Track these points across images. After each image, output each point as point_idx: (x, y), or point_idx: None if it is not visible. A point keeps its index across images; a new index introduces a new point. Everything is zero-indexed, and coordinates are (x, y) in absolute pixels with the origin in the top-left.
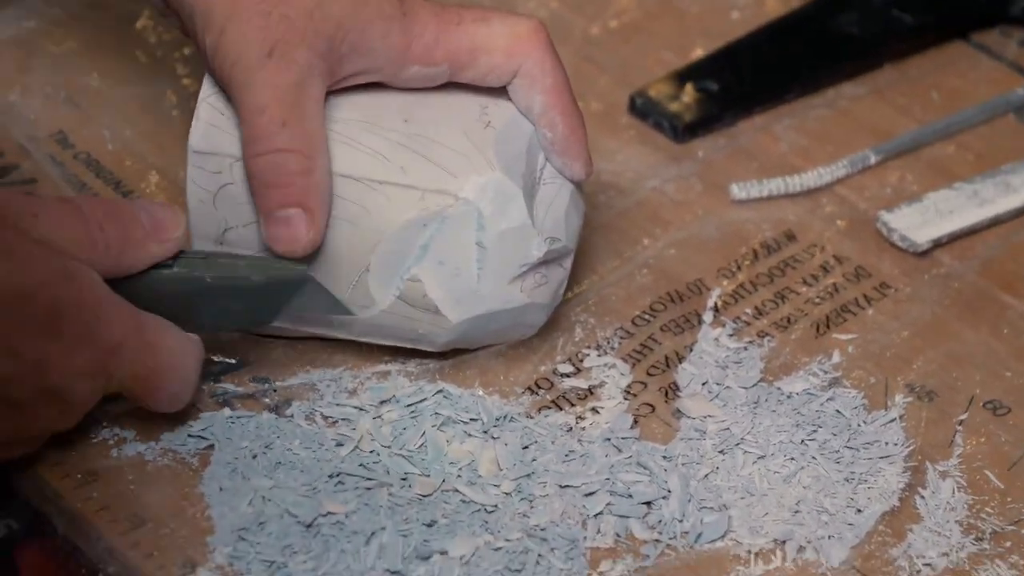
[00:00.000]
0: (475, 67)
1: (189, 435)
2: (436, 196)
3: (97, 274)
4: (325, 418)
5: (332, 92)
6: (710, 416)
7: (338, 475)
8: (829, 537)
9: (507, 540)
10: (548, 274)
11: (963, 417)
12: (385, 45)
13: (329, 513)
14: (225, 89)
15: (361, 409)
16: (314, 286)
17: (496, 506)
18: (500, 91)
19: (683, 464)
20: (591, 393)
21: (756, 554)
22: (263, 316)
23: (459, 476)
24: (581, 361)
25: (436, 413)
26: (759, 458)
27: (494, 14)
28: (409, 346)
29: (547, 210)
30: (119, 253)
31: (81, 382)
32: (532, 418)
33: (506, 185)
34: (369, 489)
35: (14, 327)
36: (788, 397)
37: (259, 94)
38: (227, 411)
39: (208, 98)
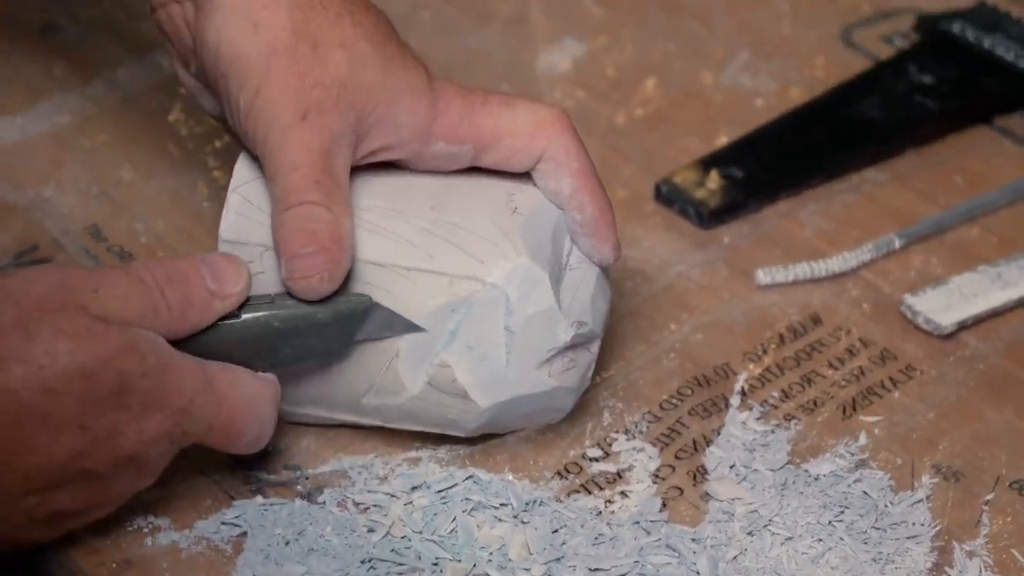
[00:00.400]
0: (498, 149)
1: (223, 523)
2: (464, 282)
3: (161, 337)
4: (356, 504)
5: (358, 177)
6: (738, 498)
7: (370, 561)
8: None
9: None
10: (576, 358)
11: (989, 497)
12: (412, 120)
13: None
14: (255, 149)
15: (392, 495)
16: (381, 312)
17: None
18: (525, 177)
19: (712, 546)
20: (620, 477)
21: None
22: (334, 349)
23: (490, 560)
24: (610, 445)
25: (466, 498)
26: (787, 539)
27: (518, 100)
28: (439, 431)
29: (574, 295)
30: (182, 316)
31: (155, 446)
32: (561, 502)
33: (533, 270)
34: (401, 575)
35: (82, 404)
36: (815, 479)
37: (294, 153)
38: (260, 499)
39: (238, 188)
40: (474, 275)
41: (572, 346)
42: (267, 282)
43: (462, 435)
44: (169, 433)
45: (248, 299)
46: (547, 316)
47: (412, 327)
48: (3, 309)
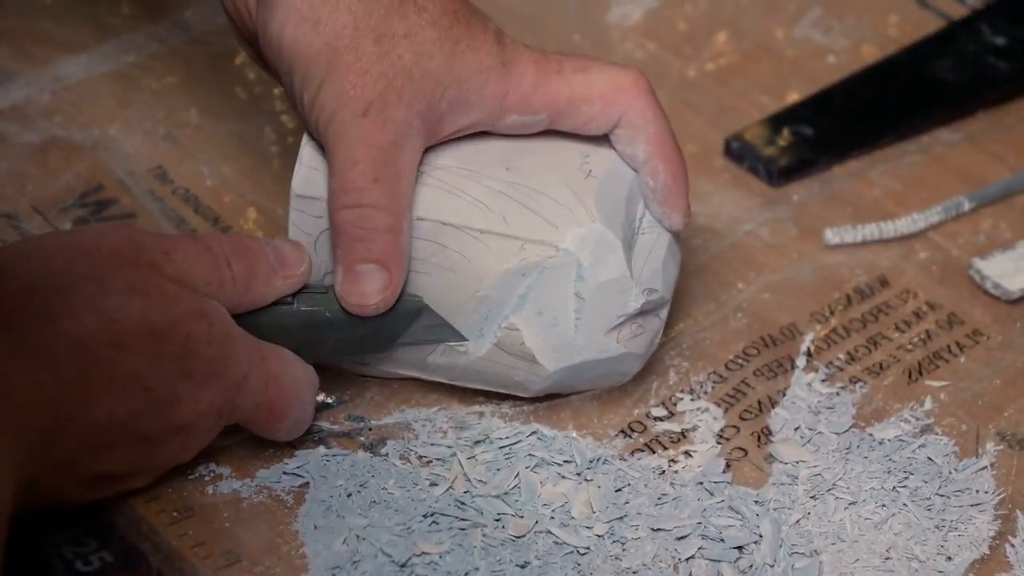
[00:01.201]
0: (575, 116)
1: (284, 472)
2: (536, 247)
3: (224, 309)
4: (419, 458)
5: None
6: (802, 461)
7: (432, 515)
8: None
9: None
10: (644, 324)
11: None
12: (482, 97)
13: (423, 553)
14: (321, 143)
15: (455, 449)
16: (430, 314)
17: (588, 548)
18: (601, 138)
19: (775, 509)
20: (684, 437)
21: None
22: (380, 346)
23: (552, 518)
24: (675, 405)
25: (530, 455)
26: (850, 504)
27: (594, 63)
28: (504, 391)
29: (645, 260)
30: (245, 289)
31: (205, 418)
32: (625, 461)
33: (606, 237)
34: (463, 530)
35: (149, 363)
36: (880, 443)
37: (353, 149)
38: (322, 449)
39: (311, 142)
40: (547, 240)
41: (641, 312)
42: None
43: (526, 396)
44: (220, 408)
45: (304, 287)
46: (618, 283)
47: (457, 336)
48: (75, 262)
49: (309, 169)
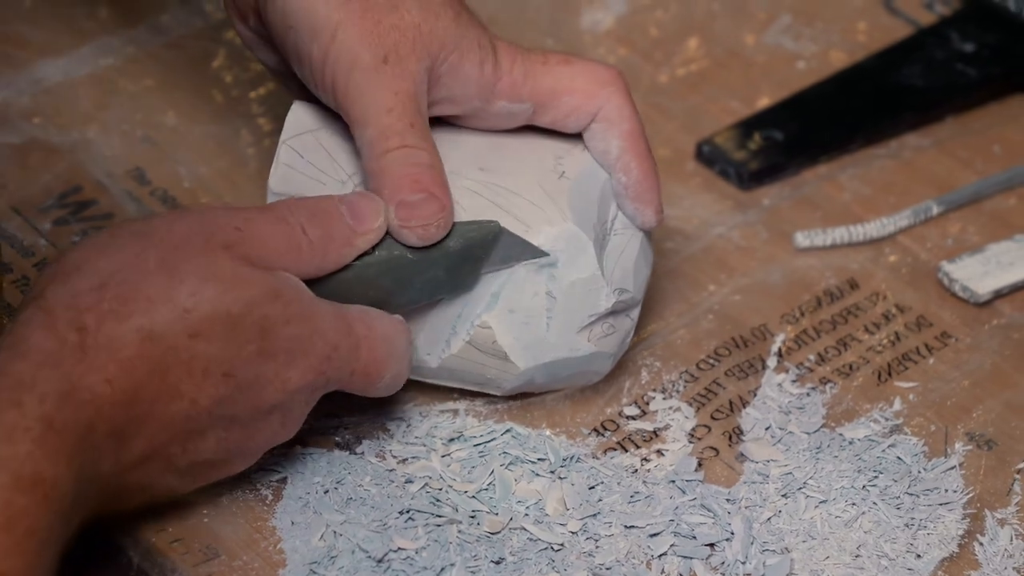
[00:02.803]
0: (557, 108)
1: (262, 468)
2: None
3: (303, 284)
4: (394, 456)
5: None
6: (773, 460)
7: (408, 512)
8: None
9: None
10: (615, 324)
11: (1021, 466)
12: (479, 75)
13: (399, 549)
14: (334, 97)
15: (430, 448)
16: (509, 237)
17: (562, 545)
18: (574, 142)
19: (746, 507)
20: (656, 435)
21: None
22: (462, 281)
23: (526, 515)
24: (647, 404)
25: (504, 452)
26: (821, 502)
27: (577, 58)
28: (476, 389)
29: (617, 261)
30: (324, 252)
31: (298, 395)
32: (598, 459)
33: (578, 236)
34: (439, 526)
35: (227, 349)
36: (850, 443)
37: (384, 95)
38: (299, 447)
39: (288, 140)
40: None
41: (613, 312)
42: None
43: (498, 394)
44: (312, 383)
45: None
46: (590, 283)
47: (538, 253)
48: (146, 253)
49: (286, 167)
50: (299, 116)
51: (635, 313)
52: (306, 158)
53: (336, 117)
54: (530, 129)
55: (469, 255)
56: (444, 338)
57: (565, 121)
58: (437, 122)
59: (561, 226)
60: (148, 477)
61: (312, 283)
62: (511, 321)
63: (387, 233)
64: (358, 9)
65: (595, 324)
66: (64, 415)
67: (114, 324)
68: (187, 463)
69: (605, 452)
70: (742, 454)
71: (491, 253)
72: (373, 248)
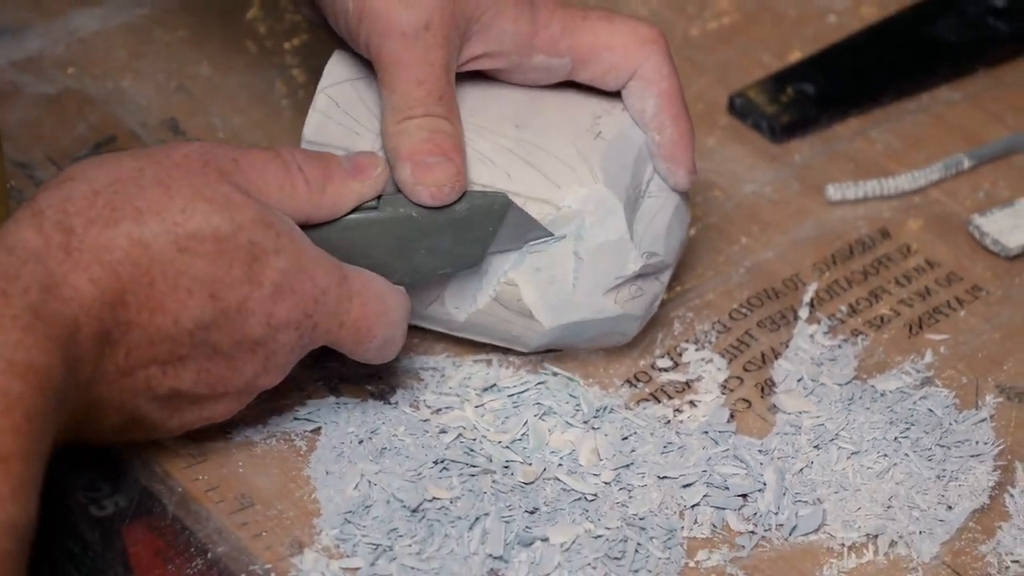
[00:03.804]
0: (596, 64)
1: (295, 418)
2: (538, 204)
3: (298, 228)
4: (428, 406)
5: None
6: (805, 412)
7: (442, 462)
8: (920, 532)
9: (607, 528)
10: (644, 287)
11: None
12: (515, 29)
13: (434, 498)
14: (368, 54)
15: (464, 398)
16: (516, 212)
17: (596, 495)
18: (615, 101)
19: (779, 458)
20: (688, 387)
21: (849, 547)
22: (470, 252)
23: (560, 465)
24: (680, 355)
25: (538, 403)
26: (853, 454)
27: (617, 14)
28: (502, 345)
29: (648, 224)
30: (321, 192)
31: (284, 332)
32: (631, 410)
33: (608, 198)
34: (473, 476)
35: (214, 268)
36: (881, 395)
37: (418, 67)
38: (333, 398)
39: (326, 89)
40: (548, 198)
41: (641, 275)
42: None
43: (524, 351)
44: (299, 323)
45: (381, 196)
46: (618, 245)
47: (544, 233)
48: (143, 170)
49: (322, 116)
50: (339, 65)
51: (665, 276)
52: (343, 107)
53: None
54: (571, 86)
55: (474, 224)
56: (472, 293)
57: (604, 78)
58: (477, 76)
59: (591, 187)
60: (125, 397)
61: (312, 232)
62: (537, 279)
63: (395, 193)
64: None
65: (622, 286)
66: (49, 308)
67: (101, 229)
68: (167, 390)
69: (638, 403)
70: (774, 405)
71: (498, 228)
72: (376, 203)
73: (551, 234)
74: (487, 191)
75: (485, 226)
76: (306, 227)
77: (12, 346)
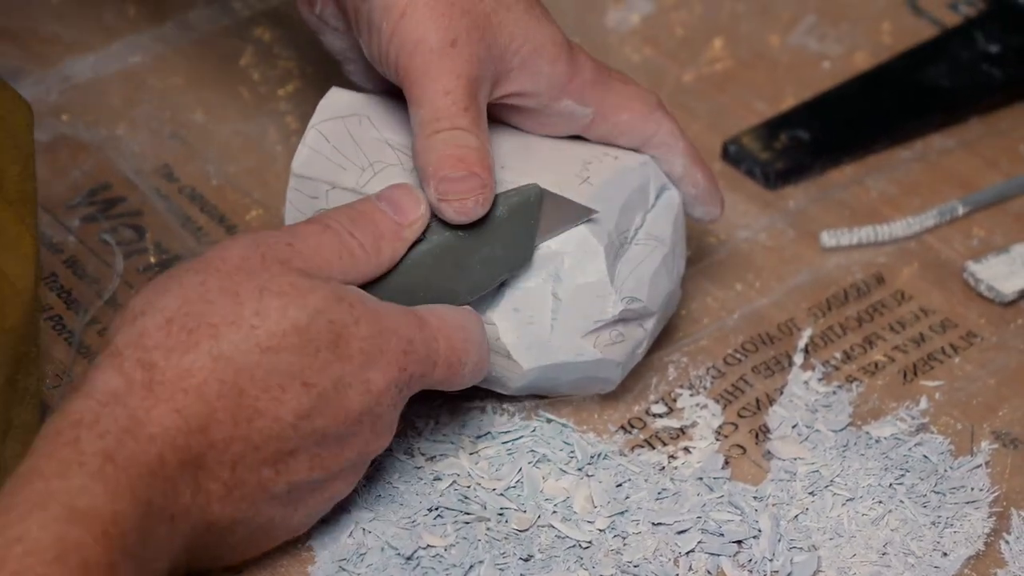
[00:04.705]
0: (614, 122)
1: None
2: None
3: (364, 291)
4: (423, 453)
5: None
6: (800, 458)
7: (437, 509)
8: None
9: (602, 575)
10: (625, 332)
11: None
12: (552, 71)
13: (428, 546)
14: (397, 74)
15: (459, 445)
16: (552, 198)
17: (590, 542)
18: (606, 149)
19: (773, 504)
20: (683, 433)
21: None
22: (521, 251)
23: (554, 512)
24: (674, 401)
25: (532, 450)
26: (848, 500)
27: (630, 80)
28: (485, 386)
29: (633, 270)
30: (376, 250)
31: (384, 397)
32: (625, 456)
33: (588, 240)
34: (467, 523)
35: (301, 358)
36: (876, 441)
37: (445, 79)
38: None
39: (317, 125)
40: None
41: (623, 320)
42: None
43: (507, 393)
44: (396, 379)
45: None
46: (597, 288)
47: (585, 211)
48: (206, 284)
49: (311, 151)
50: (333, 102)
51: (649, 324)
52: (332, 143)
53: (371, 105)
54: (569, 137)
55: (517, 222)
56: None
57: (619, 138)
58: None
59: (573, 229)
60: (243, 508)
61: (375, 289)
62: (516, 319)
63: (432, 220)
64: None
65: (602, 330)
66: (127, 450)
67: (182, 355)
68: (285, 487)
69: (632, 449)
70: (769, 452)
71: (539, 218)
72: (423, 236)
73: (593, 211)
74: (517, 188)
75: (527, 220)
76: (367, 285)
77: (74, 493)
